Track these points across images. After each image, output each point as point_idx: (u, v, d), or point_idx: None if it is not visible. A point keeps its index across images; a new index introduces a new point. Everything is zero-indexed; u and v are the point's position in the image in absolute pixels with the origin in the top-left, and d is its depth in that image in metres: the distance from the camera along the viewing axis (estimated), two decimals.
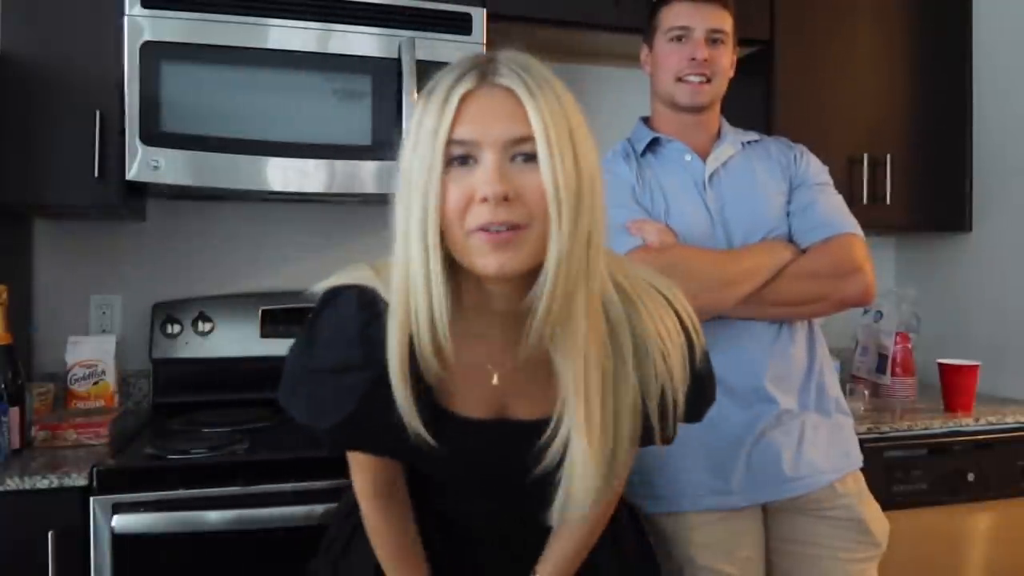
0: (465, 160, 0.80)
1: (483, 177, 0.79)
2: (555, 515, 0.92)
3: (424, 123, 0.81)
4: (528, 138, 0.79)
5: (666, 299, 0.94)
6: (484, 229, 0.79)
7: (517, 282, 0.83)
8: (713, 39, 1.48)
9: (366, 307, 0.88)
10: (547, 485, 0.91)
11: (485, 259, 0.80)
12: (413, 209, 0.80)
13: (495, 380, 0.93)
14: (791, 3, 2.19)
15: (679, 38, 1.48)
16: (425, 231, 0.80)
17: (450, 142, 0.80)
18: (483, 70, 0.82)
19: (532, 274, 0.82)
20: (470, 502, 1.09)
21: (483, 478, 1.02)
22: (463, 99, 0.80)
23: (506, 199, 0.78)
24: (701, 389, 0.98)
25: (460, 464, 0.99)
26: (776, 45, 2.18)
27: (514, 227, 0.79)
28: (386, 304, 0.86)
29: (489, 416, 0.96)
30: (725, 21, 1.50)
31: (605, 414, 0.88)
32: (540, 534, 1.09)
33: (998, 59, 2.31)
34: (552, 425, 0.89)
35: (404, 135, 0.85)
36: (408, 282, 0.82)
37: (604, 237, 0.85)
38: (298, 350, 0.95)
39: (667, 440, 0.96)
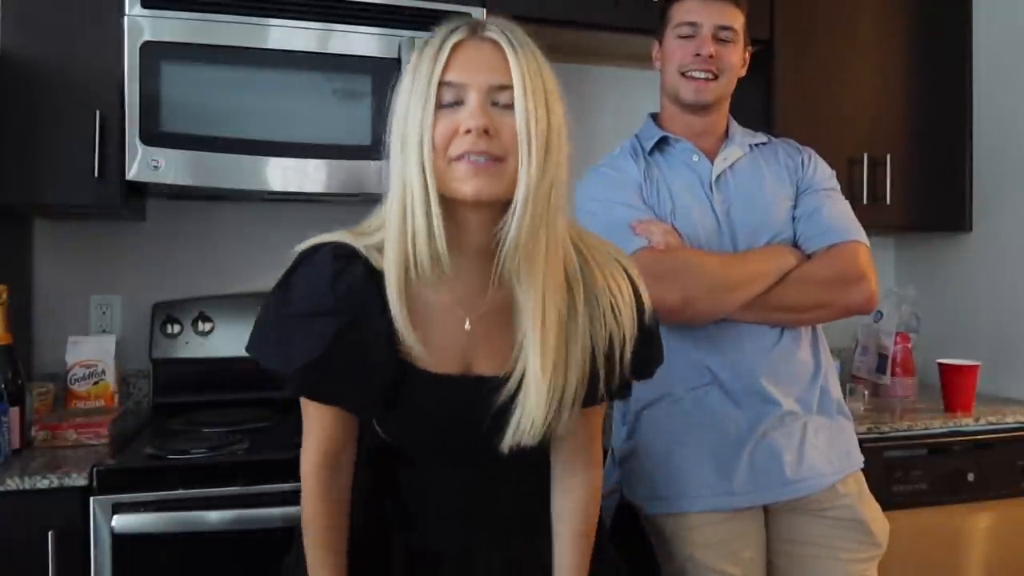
0: (452, 105, 0.92)
1: (468, 112, 0.91)
2: (506, 442, 0.98)
3: (420, 68, 0.93)
4: (508, 87, 0.92)
5: (618, 262, 1.04)
6: (466, 157, 0.90)
7: (489, 214, 0.94)
8: (721, 36, 1.48)
9: (341, 259, 0.97)
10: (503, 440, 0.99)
11: (465, 184, 0.91)
12: (410, 141, 0.92)
13: (467, 325, 1.00)
14: (791, 3, 2.20)
15: (687, 34, 1.48)
16: (421, 157, 0.91)
17: (441, 84, 0.92)
18: (473, 26, 0.95)
19: (502, 211, 0.93)
20: (433, 471, 1.08)
21: (446, 437, 1.04)
22: (454, 48, 0.93)
23: (486, 132, 0.90)
24: (648, 345, 1.06)
25: (424, 422, 1.02)
26: (776, 45, 2.18)
27: (493, 158, 0.91)
28: (363, 257, 0.96)
29: (456, 371, 1.01)
30: (735, 19, 1.49)
31: (559, 349, 0.96)
32: (506, 511, 1.11)
33: (998, 59, 2.32)
34: (513, 373, 0.97)
35: (399, 80, 0.96)
36: (405, 205, 0.92)
37: (565, 193, 0.96)
38: (272, 300, 0.99)
39: (612, 395, 1.05)
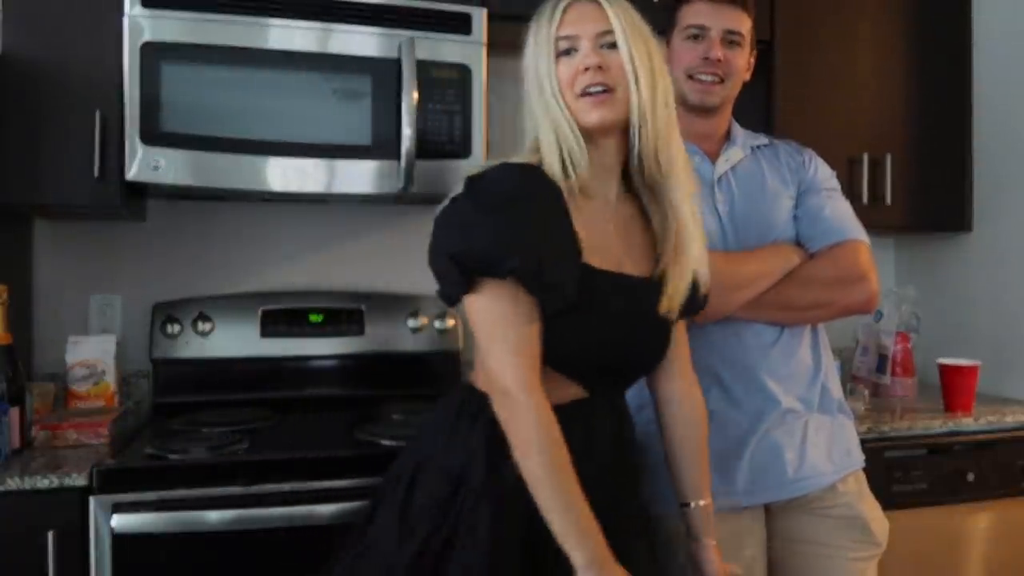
0: (568, 52, 1.14)
1: (582, 55, 1.13)
2: (664, 304, 1.19)
3: (539, 30, 1.15)
4: (610, 31, 1.13)
5: None
6: (587, 93, 1.12)
7: (615, 137, 1.16)
8: (729, 40, 1.48)
9: (519, 165, 1.12)
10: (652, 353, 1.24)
11: (589, 114, 1.12)
12: (544, 86, 1.14)
13: (611, 226, 1.18)
14: (791, 3, 2.19)
15: (695, 37, 1.48)
16: (556, 95, 1.13)
17: (558, 39, 1.14)
18: None
19: (624, 135, 1.16)
20: (598, 384, 1.19)
21: (616, 336, 1.16)
22: (564, 10, 1.15)
23: (599, 68, 1.12)
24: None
25: (598, 317, 1.13)
26: (776, 45, 2.18)
27: (606, 89, 1.12)
28: (540, 168, 1.12)
29: (613, 269, 1.16)
30: (743, 23, 1.50)
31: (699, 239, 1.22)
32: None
33: (998, 59, 2.31)
34: (659, 277, 1.19)
35: (525, 43, 1.18)
36: (557, 133, 1.12)
37: (675, 116, 1.18)
38: (461, 204, 1.09)
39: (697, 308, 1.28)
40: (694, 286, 1.22)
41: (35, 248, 2.04)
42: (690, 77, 1.49)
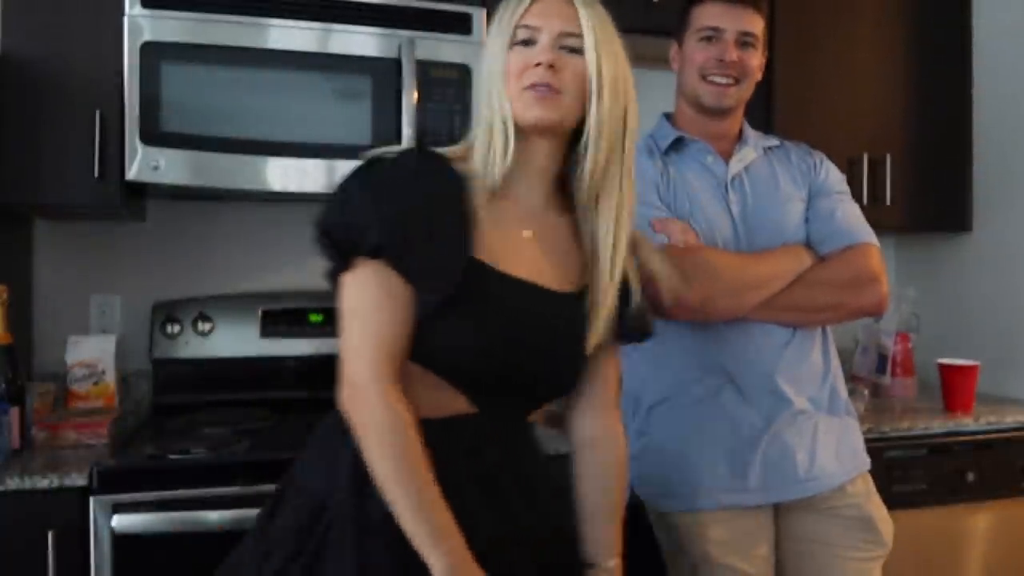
0: (526, 43, 1.05)
1: (539, 49, 1.04)
2: (591, 344, 1.08)
3: (503, 16, 1.07)
4: (576, 34, 1.04)
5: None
6: (533, 87, 1.03)
7: (551, 143, 1.07)
8: (743, 41, 1.48)
9: (424, 151, 1.05)
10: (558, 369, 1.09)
11: (529, 109, 1.03)
12: (493, 72, 1.06)
13: (527, 233, 1.09)
14: (791, 3, 2.19)
15: (709, 38, 1.48)
16: (499, 84, 1.05)
17: (519, 27, 1.05)
18: None
19: (563, 140, 1.08)
20: (488, 398, 1.04)
21: (508, 345, 1.03)
22: (532, 0, 1.06)
23: (551, 67, 1.03)
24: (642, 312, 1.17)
25: (490, 321, 1.02)
26: (776, 45, 2.18)
27: (554, 91, 1.03)
28: (445, 156, 1.05)
29: (523, 276, 1.06)
30: (756, 24, 1.49)
31: (620, 271, 1.09)
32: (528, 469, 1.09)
33: (998, 59, 2.31)
34: (581, 295, 1.08)
35: (489, 29, 1.11)
36: (491, 124, 1.05)
37: (636, 138, 1.10)
38: (347, 182, 1.02)
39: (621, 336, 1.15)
40: (626, 315, 1.12)
41: (35, 248, 2.04)
42: (704, 78, 1.49)
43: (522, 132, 1.05)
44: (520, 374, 1.05)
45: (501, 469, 1.04)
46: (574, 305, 1.08)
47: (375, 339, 0.97)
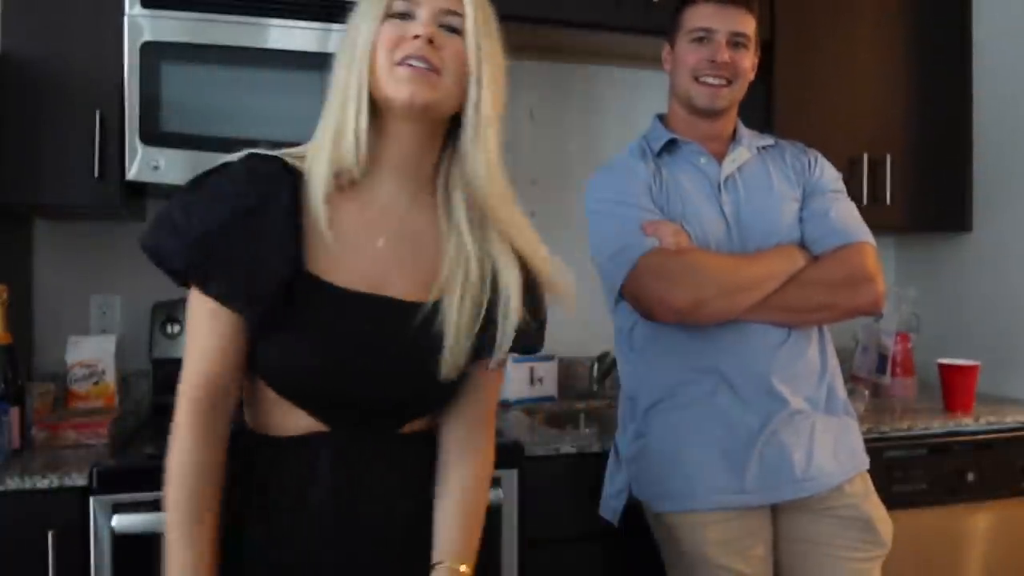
0: (403, 16, 0.95)
1: (418, 23, 0.94)
2: (444, 369, 0.96)
3: None
4: (458, 13, 0.95)
5: (533, 235, 1.05)
6: (407, 63, 0.92)
7: (421, 128, 0.96)
8: (735, 42, 1.48)
9: (255, 157, 0.96)
10: (406, 386, 0.98)
11: (401, 86, 0.92)
12: (357, 45, 0.94)
13: (381, 242, 0.98)
14: (791, 3, 2.20)
15: (701, 39, 1.48)
16: (364, 56, 0.94)
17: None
18: None
19: (432, 132, 0.98)
20: (303, 449, 0.97)
21: (341, 364, 0.95)
22: None
23: (432, 42, 0.93)
24: (536, 323, 1.05)
25: (322, 341, 0.94)
26: (776, 45, 2.18)
27: (432, 69, 0.93)
28: (280, 159, 0.96)
29: (365, 289, 0.96)
30: (748, 25, 1.50)
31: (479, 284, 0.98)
32: (393, 496, 1.00)
33: (998, 59, 2.31)
34: (437, 303, 0.97)
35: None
36: (343, 104, 0.94)
37: (502, 140, 1.00)
38: (178, 192, 0.95)
39: (494, 351, 1.01)
40: (492, 327, 0.99)
41: (35, 248, 2.04)
42: (696, 79, 1.49)
43: (386, 116, 0.95)
44: (360, 393, 0.96)
45: (348, 489, 0.97)
46: (429, 316, 0.96)
47: (195, 358, 0.95)
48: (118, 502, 1.44)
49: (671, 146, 1.54)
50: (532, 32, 2.06)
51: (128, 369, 2.03)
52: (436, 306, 0.97)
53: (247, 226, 0.91)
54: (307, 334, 0.94)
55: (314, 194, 0.93)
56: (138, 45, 1.70)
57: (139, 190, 1.88)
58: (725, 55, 1.47)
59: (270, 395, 0.97)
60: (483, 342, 0.99)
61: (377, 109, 0.95)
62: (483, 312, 0.98)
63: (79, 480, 1.44)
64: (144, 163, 1.70)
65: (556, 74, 2.35)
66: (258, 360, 0.96)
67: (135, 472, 1.49)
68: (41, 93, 1.70)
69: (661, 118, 1.60)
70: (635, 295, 1.42)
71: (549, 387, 2.21)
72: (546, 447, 1.69)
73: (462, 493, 1.05)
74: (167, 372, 2.00)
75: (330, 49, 1.80)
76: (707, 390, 1.44)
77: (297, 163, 0.97)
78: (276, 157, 0.96)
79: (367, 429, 0.99)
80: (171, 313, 2.01)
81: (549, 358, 2.20)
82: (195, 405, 0.95)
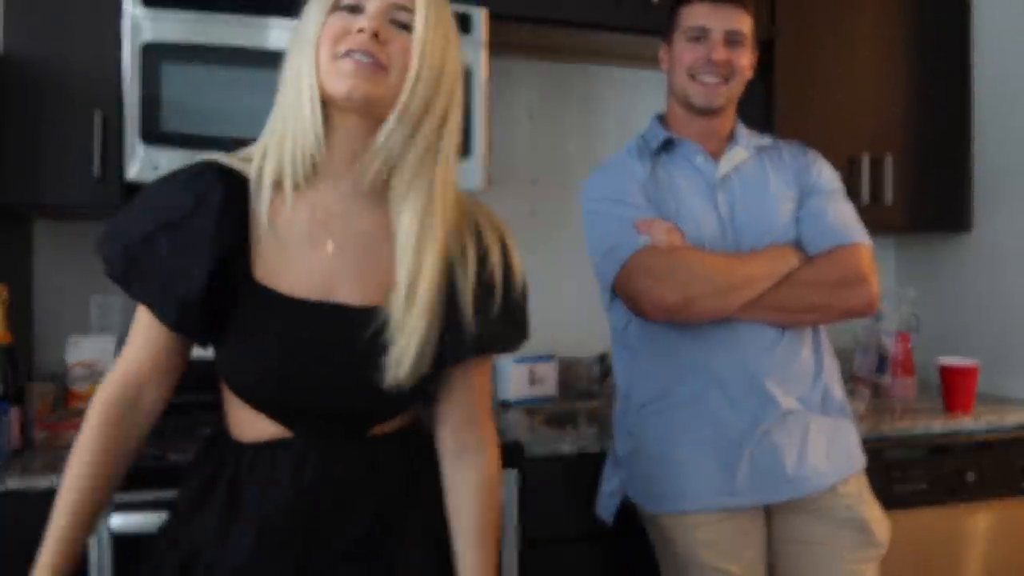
0: (352, 9, 0.93)
1: (364, 16, 0.92)
2: (389, 377, 0.95)
3: None
4: (409, 8, 0.93)
5: (500, 231, 1.04)
6: (349, 56, 0.90)
7: (365, 124, 0.93)
8: (731, 40, 1.48)
9: (197, 166, 0.98)
10: (359, 391, 0.96)
11: (342, 80, 0.90)
12: (303, 38, 0.93)
13: (330, 246, 0.96)
14: (791, 3, 2.20)
15: (697, 38, 1.49)
16: (309, 51, 0.93)
17: None
18: None
19: (377, 127, 0.93)
20: (266, 455, 0.99)
21: (293, 373, 0.95)
22: None
23: (376, 36, 0.91)
24: (512, 318, 1.03)
25: (268, 351, 0.95)
26: (776, 45, 2.18)
27: (376, 64, 0.91)
28: (222, 165, 0.97)
29: (314, 296, 0.95)
30: (744, 23, 1.50)
31: (437, 287, 0.96)
32: (361, 512, 0.99)
33: (998, 59, 2.31)
34: (386, 306, 0.95)
35: None
36: (289, 100, 0.94)
37: (457, 133, 0.99)
38: (129, 202, 1.01)
39: (463, 354, 1.00)
40: (461, 330, 0.98)
41: (35, 248, 2.04)
42: (693, 78, 1.49)
43: (332, 111, 0.93)
44: (310, 401, 0.96)
45: (308, 494, 0.97)
46: (381, 322, 0.95)
47: (123, 357, 1.01)
48: (118, 502, 1.44)
49: (668, 145, 1.54)
50: (532, 32, 2.06)
51: None
52: (385, 311, 0.95)
53: (170, 236, 0.93)
54: (253, 342, 0.95)
55: (258, 198, 0.94)
56: (138, 45, 1.70)
57: (139, 190, 1.88)
58: (721, 53, 1.47)
59: (236, 401, 1.00)
60: (443, 347, 0.97)
61: (325, 106, 0.93)
62: (436, 319, 0.96)
63: None
64: (144, 163, 1.70)
65: (556, 74, 2.36)
66: (219, 366, 0.98)
67: (135, 472, 1.48)
68: (41, 93, 1.70)
69: (660, 118, 1.60)
70: (626, 293, 1.42)
71: (549, 387, 2.22)
72: (546, 447, 1.69)
73: (466, 506, 1.05)
74: None
75: None
76: (698, 390, 1.44)
77: (243, 166, 0.97)
78: (217, 163, 0.97)
79: (330, 434, 0.99)
80: None
81: (549, 358, 2.21)
82: (105, 404, 1.00)
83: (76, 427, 1.62)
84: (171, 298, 0.93)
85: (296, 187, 0.95)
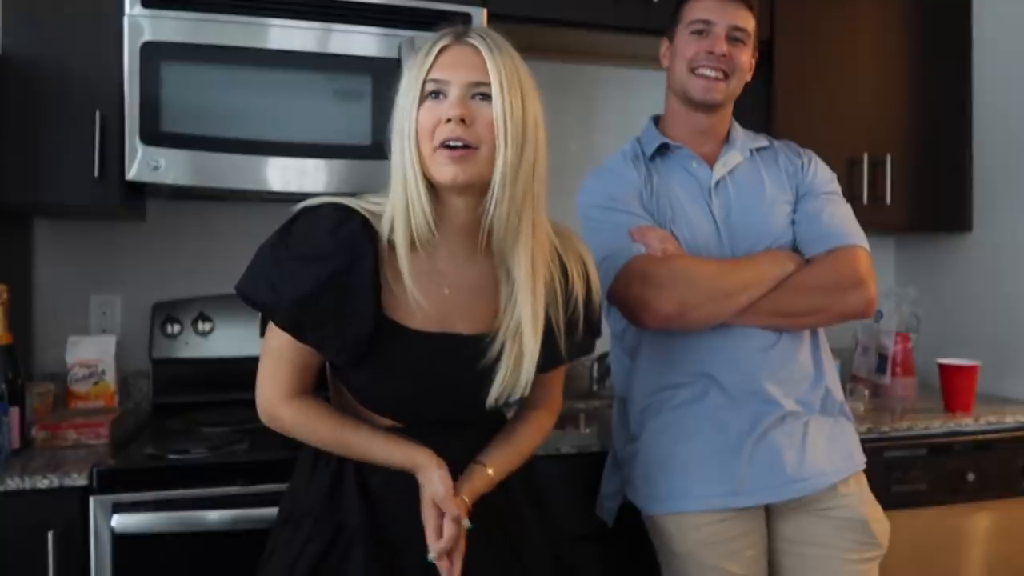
0: (437, 95, 1.06)
1: (448, 104, 1.04)
2: (492, 395, 1.12)
3: (411, 70, 1.08)
4: (485, 83, 1.04)
5: (579, 250, 1.20)
6: (446, 146, 1.03)
7: (471, 196, 1.08)
8: (734, 37, 1.48)
9: (342, 211, 1.08)
10: (479, 404, 1.14)
11: (444, 169, 1.04)
12: (404, 131, 1.06)
13: (446, 291, 1.12)
14: (791, 3, 2.20)
15: (700, 32, 1.48)
16: (410, 143, 1.05)
17: (427, 81, 1.06)
18: (458, 32, 1.09)
19: (482, 193, 1.07)
20: (413, 419, 1.16)
21: (422, 390, 1.13)
22: (440, 51, 1.07)
23: (463, 121, 1.03)
24: (591, 328, 1.22)
25: (401, 373, 1.12)
26: (776, 45, 2.18)
27: (467, 146, 1.03)
28: (361, 214, 1.08)
29: (434, 329, 1.12)
30: (747, 21, 1.50)
31: (541, 317, 1.11)
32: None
33: (998, 59, 2.32)
34: (494, 336, 1.11)
35: (399, 82, 1.10)
36: (405, 186, 1.06)
37: (545, 178, 1.10)
38: (269, 244, 1.09)
39: (557, 361, 1.18)
40: (553, 342, 1.15)
41: (35, 248, 2.04)
42: (693, 72, 1.49)
43: (440, 190, 1.07)
44: (434, 407, 1.16)
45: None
46: (486, 346, 1.12)
47: (277, 375, 1.13)
48: (118, 502, 1.44)
49: (663, 150, 1.53)
50: (532, 32, 2.06)
51: (128, 369, 2.03)
52: (494, 338, 1.12)
53: (336, 288, 1.06)
54: (392, 367, 1.11)
55: (401, 263, 1.07)
56: (138, 45, 1.70)
57: (139, 190, 1.88)
58: (723, 47, 1.47)
59: (359, 406, 1.17)
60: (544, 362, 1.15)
61: (433, 185, 1.07)
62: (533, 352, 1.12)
63: (79, 480, 1.44)
64: (144, 163, 1.71)
65: (555, 74, 2.36)
66: (351, 384, 1.15)
67: (135, 472, 1.49)
68: (41, 93, 1.70)
69: (656, 120, 1.60)
70: (621, 301, 1.42)
71: None
72: (546, 447, 1.68)
73: (513, 425, 1.26)
74: (167, 372, 2.01)
75: (330, 49, 1.81)
76: (698, 392, 1.44)
77: (374, 221, 1.09)
78: (356, 214, 1.08)
79: (438, 425, 1.16)
80: (171, 313, 2.01)
81: None
82: (294, 405, 1.14)
83: (76, 427, 1.65)
84: (341, 342, 1.08)
85: (416, 246, 1.09)
